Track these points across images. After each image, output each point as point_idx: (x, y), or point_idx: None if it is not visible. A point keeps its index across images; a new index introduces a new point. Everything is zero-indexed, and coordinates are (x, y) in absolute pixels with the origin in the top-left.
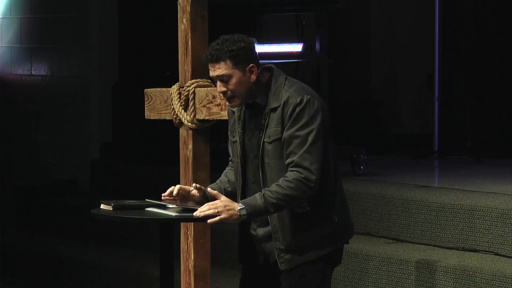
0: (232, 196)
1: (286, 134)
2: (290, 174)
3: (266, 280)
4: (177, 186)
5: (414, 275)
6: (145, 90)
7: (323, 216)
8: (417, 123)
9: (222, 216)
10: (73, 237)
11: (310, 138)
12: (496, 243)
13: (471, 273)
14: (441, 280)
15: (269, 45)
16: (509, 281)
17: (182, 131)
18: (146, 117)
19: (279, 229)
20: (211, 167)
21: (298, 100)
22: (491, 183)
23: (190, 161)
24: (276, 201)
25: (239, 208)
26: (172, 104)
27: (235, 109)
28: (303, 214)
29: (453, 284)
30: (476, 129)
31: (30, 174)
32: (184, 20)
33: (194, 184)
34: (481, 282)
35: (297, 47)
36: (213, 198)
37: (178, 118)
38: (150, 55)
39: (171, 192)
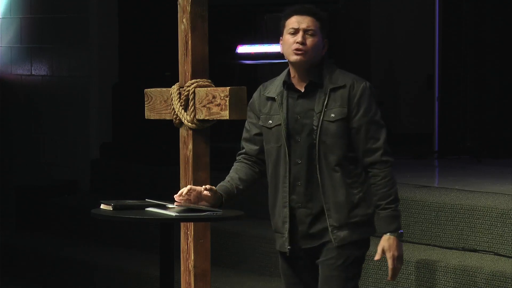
0: (242, 193)
1: (363, 119)
2: (381, 170)
3: (310, 259)
4: (188, 187)
5: (414, 275)
6: (145, 90)
7: (366, 197)
8: (417, 123)
9: (399, 256)
10: (73, 237)
11: (383, 123)
12: (496, 243)
13: (471, 273)
14: (441, 280)
15: (269, 45)
16: (509, 281)
17: (182, 131)
18: (146, 117)
19: (332, 206)
20: (211, 167)
21: (368, 85)
22: (491, 183)
23: (190, 161)
24: (398, 198)
25: (396, 235)
26: (172, 104)
27: (275, 95)
28: (355, 193)
29: (453, 284)
30: (476, 129)
31: (30, 174)
32: (184, 20)
33: (204, 186)
34: (481, 282)
35: None
36: (228, 197)
37: (178, 118)
38: (150, 55)
39: (182, 193)
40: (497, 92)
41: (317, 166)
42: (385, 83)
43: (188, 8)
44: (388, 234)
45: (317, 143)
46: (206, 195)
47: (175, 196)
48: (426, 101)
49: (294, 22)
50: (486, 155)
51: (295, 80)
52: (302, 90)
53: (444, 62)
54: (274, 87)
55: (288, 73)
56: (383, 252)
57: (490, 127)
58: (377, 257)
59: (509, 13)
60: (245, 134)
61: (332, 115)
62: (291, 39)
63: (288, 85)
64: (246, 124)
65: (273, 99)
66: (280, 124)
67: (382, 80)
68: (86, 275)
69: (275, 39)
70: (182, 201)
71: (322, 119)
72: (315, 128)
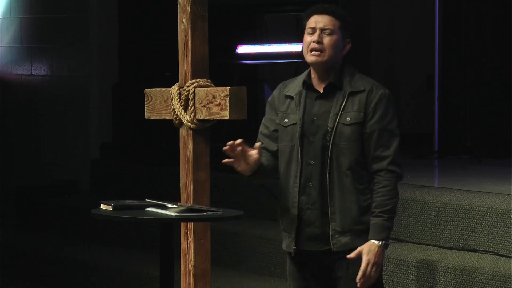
0: (269, 172)
1: (377, 125)
2: (385, 179)
3: (317, 265)
4: (241, 140)
5: (414, 275)
6: (145, 90)
7: (370, 205)
8: (417, 123)
9: (376, 264)
10: (73, 237)
11: (397, 132)
12: (496, 243)
13: (471, 273)
14: (441, 280)
15: (269, 45)
16: (509, 281)
17: (182, 131)
18: (146, 117)
19: (338, 210)
20: (211, 167)
21: (387, 92)
22: (491, 183)
23: (190, 161)
24: (394, 211)
25: (380, 244)
26: (172, 104)
27: (293, 94)
28: (365, 199)
29: (453, 284)
30: (476, 129)
31: (30, 174)
32: (184, 20)
33: (258, 144)
34: (481, 282)
35: (297, 47)
36: (262, 167)
37: (178, 118)
38: (150, 55)
39: (233, 144)
40: (497, 92)
41: (328, 168)
42: (385, 83)
43: (188, 8)
44: (372, 240)
45: (330, 145)
46: (251, 155)
47: (226, 146)
48: (426, 101)
49: (312, 22)
50: (486, 155)
51: (314, 81)
52: (321, 91)
53: (444, 62)
54: (294, 86)
55: (309, 73)
56: (360, 254)
57: (490, 127)
58: (352, 255)
59: (509, 13)
60: (264, 130)
61: (348, 118)
62: (309, 39)
63: (307, 85)
64: (264, 120)
65: (291, 98)
66: (295, 124)
67: (382, 80)
68: (86, 275)
69: (275, 39)
70: (230, 152)
71: (338, 122)
72: (329, 130)
